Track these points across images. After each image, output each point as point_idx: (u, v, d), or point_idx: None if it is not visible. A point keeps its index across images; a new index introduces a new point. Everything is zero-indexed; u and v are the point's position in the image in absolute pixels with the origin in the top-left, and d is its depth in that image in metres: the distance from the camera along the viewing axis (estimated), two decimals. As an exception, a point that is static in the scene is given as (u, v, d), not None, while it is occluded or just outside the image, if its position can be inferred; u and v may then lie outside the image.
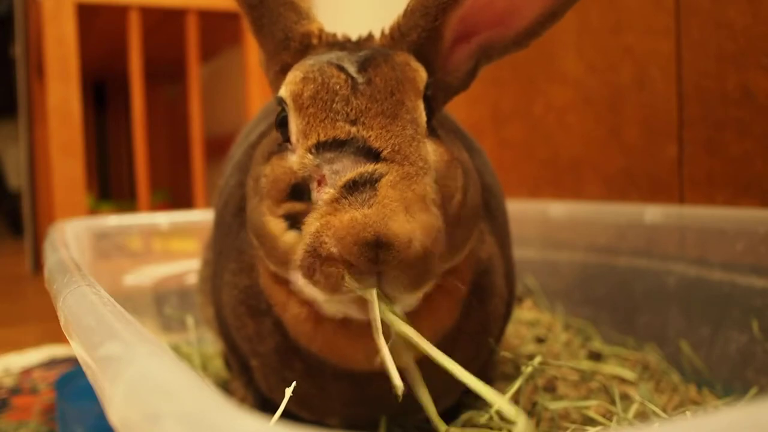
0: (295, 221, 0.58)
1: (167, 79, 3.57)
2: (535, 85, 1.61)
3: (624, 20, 1.35)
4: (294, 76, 0.61)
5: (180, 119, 3.05)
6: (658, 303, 1.09)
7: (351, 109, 0.57)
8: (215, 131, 2.93)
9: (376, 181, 0.53)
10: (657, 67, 1.29)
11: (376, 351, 0.53)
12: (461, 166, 0.63)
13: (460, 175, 0.62)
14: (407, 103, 0.59)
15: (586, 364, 0.98)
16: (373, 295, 0.53)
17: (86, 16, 2.09)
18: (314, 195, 0.56)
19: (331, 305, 0.58)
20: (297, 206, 0.57)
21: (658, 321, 1.08)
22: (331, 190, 0.53)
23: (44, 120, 2.40)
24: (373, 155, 0.55)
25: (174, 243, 1.41)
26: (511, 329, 1.16)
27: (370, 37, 0.68)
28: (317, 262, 0.53)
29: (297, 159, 0.58)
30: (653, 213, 1.12)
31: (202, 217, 1.36)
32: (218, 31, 2.48)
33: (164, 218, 1.40)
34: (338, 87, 0.58)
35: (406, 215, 0.52)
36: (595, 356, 1.03)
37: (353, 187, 0.52)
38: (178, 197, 3.57)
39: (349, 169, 0.54)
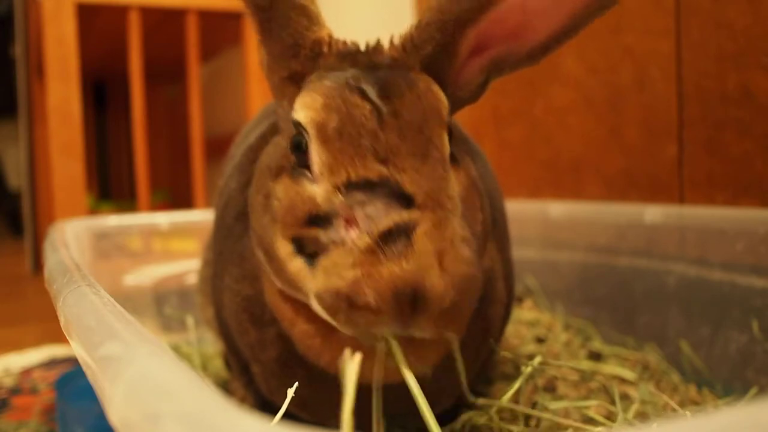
0: (306, 246, 0.57)
1: (167, 79, 3.57)
2: (535, 85, 1.61)
3: (624, 20, 1.35)
4: (313, 100, 0.59)
5: (180, 119, 3.05)
6: (658, 303, 1.09)
7: (380, 146, 0.55)
8: (215, 131, 2.93)
9: (411, 230, 0.52)
10: (657, 67, 1.29)
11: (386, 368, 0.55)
12: (477, 188, 0.63)
13: (477, 197, 0.62)
14: (435, 139, 0.58)
15: (586, 364, 0.98)
16: (381, 347, 0.55)
17: (86, 16, 2.09)
18: (340, 232, 0.54)
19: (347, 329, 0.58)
20: (311, 233, 0.56)
21: (658, 321, 1.08)
22: (367, 239, 0.52)
23: (44, 120, 2.40)
24: (406, 200, 0.54)
25: (174, 243, 1.41)
26: (511, 329, 1.17)
27: (379, 46, 0.65)
28: (345, 306, 0.52)
29: (322, 193, 0.56)
30: (653, 213, 1.12)
31: (202, 217, 1.36)
32: (218, 31, 2.48)
33: (164, 218, 1.40)
34: (364, 119, 0.56)
35: (440, 268, 0.51)
36: (595, 356, 1.03)
37: (388, 236, 0.52)
38: (178, 197, 3.57)
39: (382, 214, 0.53)
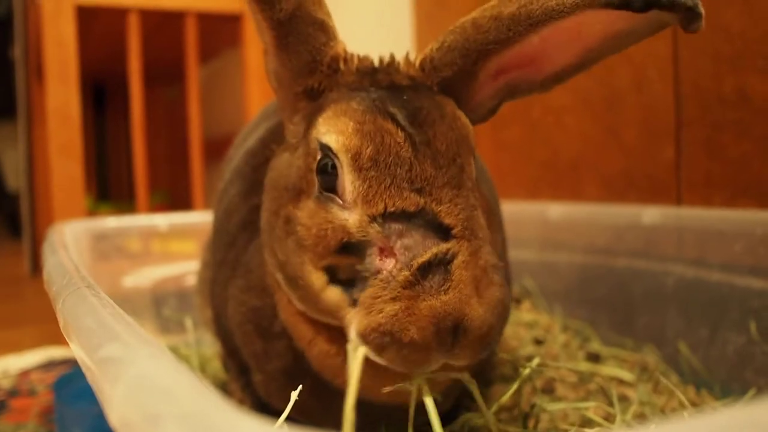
0: (339, 274, 0.56)
1: (166, 80, 3.57)
2: (533, 86, 1.61)
3: (622, 22, 1.35)
4: (344, 125, 0.58)
5: (179, 121, 3.06)
6: (656, 304, 1.09)
7: (415, 176, 0.55)
8: (214, 133, 2.93)
9: (449, 261, 0.52)
10: (655, 68, 1.29)
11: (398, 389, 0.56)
12: (492, 210, 0.64)
13: (494, 219, 0.63)
14: (467, 168, 0.58)
15: (585, 366, 0.98)
16: (415, 383, 0.55)
17: (86, 18, 2.09)
18: (375, 262, 0.54)
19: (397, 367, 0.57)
20: (345, 261, 0.56)
21: (656, 322, 1.08)
22: (406, 272, 0.52)
23: (43, 121, 2.40)
24: (443, 231, 0.54)
25: (173, 244, 1.41)
26: (509, 331, 1.17)
27: (395, 63, 0.65)
28: (391, 343, 0.52)
29: (355, 222, 0.55)
30: (651, 214, 1.12)
31: (201, 218, 1.37)
32: (217, 33, 2.48)
33: (163, 220, 1.41)
34: (399, 148, 0.56)
35: (477, 297, 0.52)
36: (594, 357, 1.03)
37: (427, 268, 0.52)
38: (177, 199, 3.57)
39: (420, 246, 0.53)
